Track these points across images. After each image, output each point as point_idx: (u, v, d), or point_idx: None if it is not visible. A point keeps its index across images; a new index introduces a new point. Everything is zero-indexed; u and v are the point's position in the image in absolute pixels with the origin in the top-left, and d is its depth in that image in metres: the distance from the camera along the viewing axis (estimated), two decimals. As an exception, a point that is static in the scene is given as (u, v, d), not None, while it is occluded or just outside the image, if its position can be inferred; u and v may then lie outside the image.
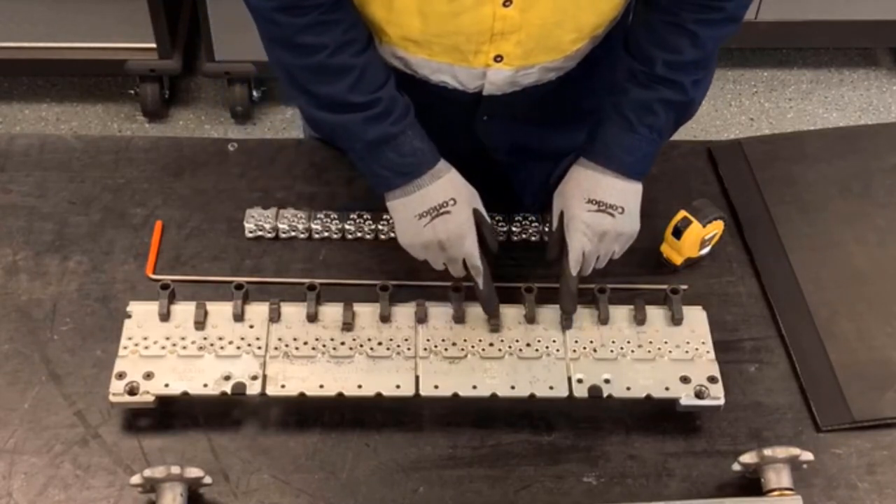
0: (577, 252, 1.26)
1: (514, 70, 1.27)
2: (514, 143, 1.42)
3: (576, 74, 1.33)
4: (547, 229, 1.41)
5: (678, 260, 1.38)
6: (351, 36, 1.21)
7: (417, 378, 1.23)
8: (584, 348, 1.26)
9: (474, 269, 1.25)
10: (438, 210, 1.23)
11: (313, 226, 1.41)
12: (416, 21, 1.21)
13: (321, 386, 1.22)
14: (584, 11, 1.23)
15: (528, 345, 1.26)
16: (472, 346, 1.26)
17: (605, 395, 1.23)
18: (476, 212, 1.26)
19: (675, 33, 1.24)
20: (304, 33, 1.19)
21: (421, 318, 1.28)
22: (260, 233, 1.41)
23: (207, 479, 1.13)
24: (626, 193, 1.27)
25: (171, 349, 1.23)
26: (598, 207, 1.25)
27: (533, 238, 1.42)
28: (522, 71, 1.28)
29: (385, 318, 1.27)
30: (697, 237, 1.36)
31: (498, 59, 1.25)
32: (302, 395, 1.21)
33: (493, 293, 1.27)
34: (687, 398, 1.23)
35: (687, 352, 1.27)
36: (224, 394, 1.21)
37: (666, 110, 1.27)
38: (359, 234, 1.42)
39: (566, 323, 1.28)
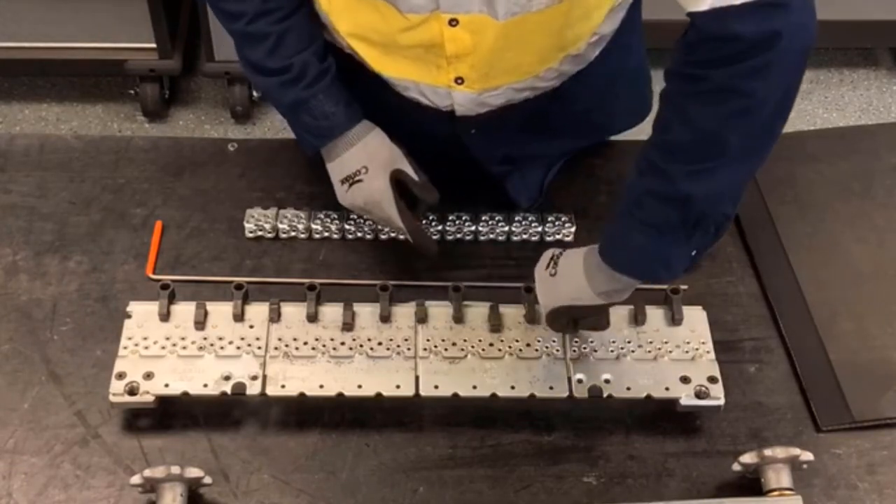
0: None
1: (476, 93, 1.26)
2: (506, 153, 1.41)
3: (565, 87, 1.31)
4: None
5: (678, 260, 1.38)
6: (270, 6, 1.25)
7: (417, 378, 1.23)
8: (585, 348, 1.26)
9: (398, 230, 1.29)
10: (353, 178, 1.28)
11: (313, 226, 1.41)
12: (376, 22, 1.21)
13: (321, 386, 1.22)
14: (538, 37, 1.19)
15: (528, 345, 1.26)
16: (472, 346, 1.26)
17: (605, 395, 1.23)
18: (399, 172, 1.28)
19: (667, 107, 1.04)
20: (225, 0, 1.26)
21: (421, 318, 1.28)
22: (260, 233, 1.41)
23: (207, 479, 1.13)
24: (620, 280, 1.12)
25: (171, 349, 1.23)
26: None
27: (533, 238, 1.42)
28: (486, 93, 1.27)
29: (385, 318, 1.27)
30: (697, 237, 1.36)
31: (459, 81, 1.25)
32: (302, 395, 1.21)
33: (426, 238, 1.31)
34: (687, 398, 1.23)
35: (687, 352, 1.27)
36: (224, 394, 1.21)
37: (660, 203, 1.05)
38: (359, 234, 1.42)
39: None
